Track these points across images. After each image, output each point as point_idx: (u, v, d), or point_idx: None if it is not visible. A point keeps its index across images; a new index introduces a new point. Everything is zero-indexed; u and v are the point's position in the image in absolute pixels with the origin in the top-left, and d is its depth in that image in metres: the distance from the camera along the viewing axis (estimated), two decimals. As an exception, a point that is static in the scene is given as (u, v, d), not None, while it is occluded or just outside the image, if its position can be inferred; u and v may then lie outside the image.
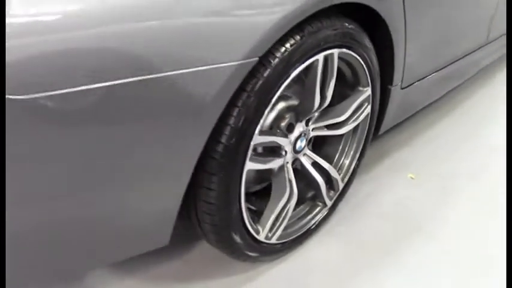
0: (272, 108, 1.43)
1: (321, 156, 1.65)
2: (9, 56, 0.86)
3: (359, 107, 1.68)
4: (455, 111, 2.65)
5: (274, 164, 1.47)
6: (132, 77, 0.98)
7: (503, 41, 2.83)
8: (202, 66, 1.07)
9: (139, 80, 0.99)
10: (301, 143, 1.54)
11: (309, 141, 1.60)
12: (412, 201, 1.93)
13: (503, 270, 1.60)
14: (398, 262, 1.64)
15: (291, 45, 1.26)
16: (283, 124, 1.46)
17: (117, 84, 0.97)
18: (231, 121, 1.20)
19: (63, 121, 0.95)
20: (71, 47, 0.91)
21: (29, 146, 0.94)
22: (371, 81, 1.65)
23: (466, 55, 2.36)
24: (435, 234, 1.77)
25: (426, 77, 2.06)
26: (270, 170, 1.52)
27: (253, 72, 1.20)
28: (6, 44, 0.86)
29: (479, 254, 1.68)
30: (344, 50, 1.47)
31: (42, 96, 0.90)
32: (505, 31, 2.75)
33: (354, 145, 1.76)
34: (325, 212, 1.73)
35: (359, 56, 1.54)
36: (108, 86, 0.96)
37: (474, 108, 2.69)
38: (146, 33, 0.98)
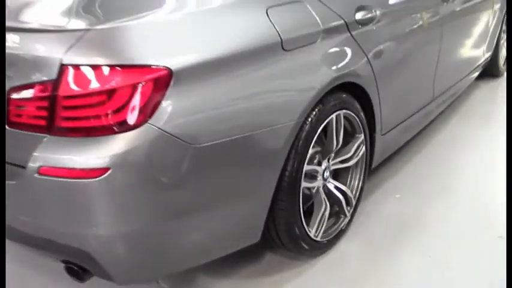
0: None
1: (339, 182, 2.49)
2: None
3: (358, 147, 2.53)
4: (428, 145, 3.50)
5: (314, 184, 2.29)
6: (248, 132, 1.84)
7: (451, 92, 3.74)
8: (275, 125, 1.94)
9: (247, 136, 1.85)
10: (327, 174, 2.38)
11: (330, 173, 2.44)
12: (399, 215, 2.74)
13: (494, 279, 2.19)
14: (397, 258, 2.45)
15: (318, 110, 2.13)
16: (315, 161, 2.31)
17: (241, 137, 1.83)
18: (291, 160, 2.05)
19: (213, 160, 1.79)
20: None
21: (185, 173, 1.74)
22: (363, 130, 2.52)
23: (421, 108, 3.26)
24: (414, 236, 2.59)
25: (397, 126, 2.94)
26: (311, 194, 2.34)
27: (301, 128, 2.06)
28: None
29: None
30: (345, 111, 2.34)
31: (209, 144, 1.74)
32: (449, 86, 3.66)
33: (358, 173, 2.59)
34: (346, 221, 2.54)
35: (354, 114, 2.41)
36: (240, 137, 1.82)
37: (441, 143, 3.54)
38: (253, 107, 1.86)
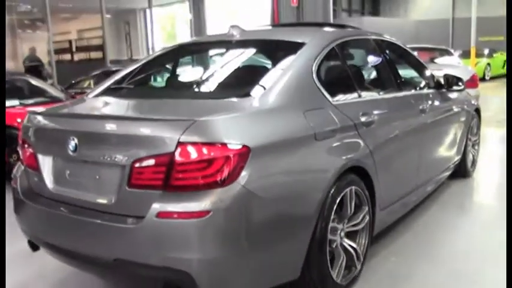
0: None
1: (351, 241, 3.22)
2: None
3: (364, 216, 3.30)
4: (418, 219, 4.26)
5: (335, 237, 3.03)
6: (294, 196, 2.65)
7: (431, 183, 4.59)
8: (311, 194, 2.75)
9: (294, 197, 2.65)
10: (342, 234, 3.13)
11: (345, 234, 3.18)
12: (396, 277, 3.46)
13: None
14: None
15: (336, 186, 2.92)
16: (335, 222, 3.06)
17: (290, 197, 2.62)
18: (321, 219, 2.82)
19: (273, 209, 2.58)
20: None
21: None
22: (367, 204, 3.30)
23: (408, 193, 4.08)
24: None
25: (391, 205, 3.74)
26: (332, 249, 3.05)
27: (326, 197, 2.84)
28: None
29: None
30: (355, 187, 3.14)
31: (271, 198, 2.53)
32: (429, 178, 4.52)
33: (364, 235, 3.33)
34: (357, 271, 3.24)
35: (361, 190, 3.21)
36: (289, 197, 2.63)
37: (431, 215, 4.32)
38: (298, 178, 2.67)
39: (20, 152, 3.17)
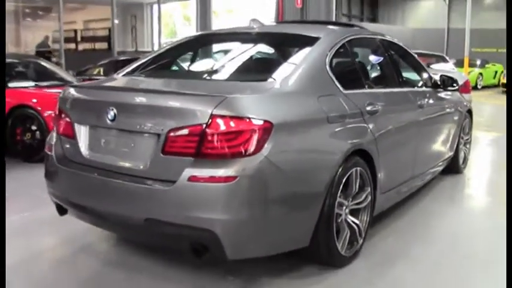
0: None
1: (354, 218, 3.47)
2: None
3: (366, 196, 3.54)
4: (413, 207, 4.52)
5: (341, 211, 3.27)
6: (308, 171, 2.90)
7: (425, 174, 4.86)
8: (321, 172, 3.01)
9: (308, 171, 2.90)
10: (347, 210, 3.37)
11: (349, 211, 3.42)
12: (392, 254, 3.71)
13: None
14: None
15: (343, 167, 3.16)
16: (342, 198, 3.30)
17: (305, 171, 2.88)
18: (329, 194, 3.06)
19: (291, 179, 2.84)
20: None
21: None
22: (370, 185, 3.55)
23: (406, 181, 4.34)
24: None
25: (391, 189, 3.99)
26: (337, 224, 3.29)
27: (334, 177, 3.09)
28: None
29: None
30: (359, 168, 3.39)
31: (288, 169, 2.79)
32: (424, 169, 4.79)
33: (366, 213, 3.57)
34: (358, 246, 3.48)
35: (364, 171, 3.46)
36: (304, 171, 2.90)
37: (424, 204, 4.58)
38: (311, 155, 2.93)
39: (55, 122, 3.39)
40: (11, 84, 6.99)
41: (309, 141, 2.99)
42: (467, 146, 6.16)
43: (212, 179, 2.61)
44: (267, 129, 2.70)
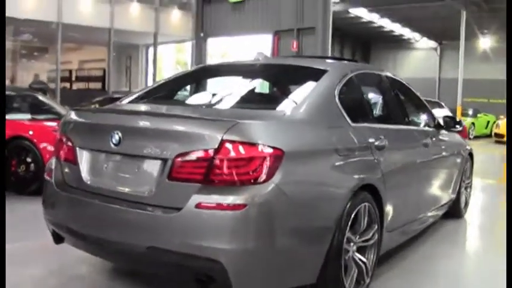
0: None
1: (361, 255, 3.35)
2: None
3: (373, 234, 3.43)
4: (417, 249, 4.40)
5: (349, 248, 3.16)
6: (316, 203, 2.81)
7: (433, 214, 4.77)
8: (331, 206, 2.92)
9: (317, 202, 2.81)
10: (354, 248, 3.26)
11: (356, 248, 3.30)
12: None
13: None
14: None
15: (351, 202, 3.07)
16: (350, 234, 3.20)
17: (315, 201, 2.79)
18: (338, 229, 2.96)
19: (300, 209, 2.74)
20: None
21: None
22: (377, 223, 3.45)
23: (411, 221, 4.24)
24: None
25: (397, 228, 3.89)
26: (345, 261, 3.18)
27: (343, 211, 3.00)
28: None
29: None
30: (367, 204, 3.29)
31: (298, 199, 2.70)
32: (432, 208, 4.71)
33: (373, 251, 3.46)
34: (364, 287, 3.36)
35: (373, 208, 3.37)
36: (313, 200, 2.80)
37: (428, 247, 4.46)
38: (321, 187, 2.84)
39: (56, 147, 3.30)
40: (7, 116, 6.92)
41: (319, 172, 2.91)
42: (468, 190, 6.09)
43: (220, 207, 2.51)
44: (278, 156, 2.62)
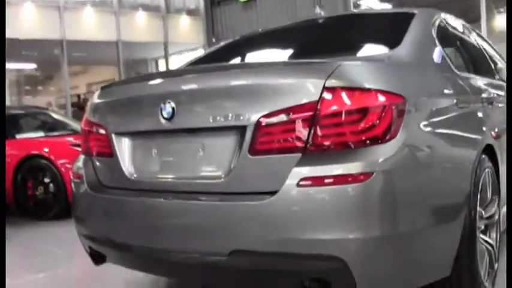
0: None
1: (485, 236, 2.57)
2: None
3: (496, 208, 2.65)
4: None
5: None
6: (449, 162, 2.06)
7: None
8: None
9: (450, 159, 2.06)
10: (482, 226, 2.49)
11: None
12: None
13: None
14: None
15: (479, 166, 2.32)
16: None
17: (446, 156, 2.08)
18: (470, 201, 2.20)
19: (433, 167, 1.98)
20: None
21: None
22: (498, 193, 2.67)
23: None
24: None
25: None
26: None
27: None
28: None
29: None
30: (489, 169, 2.51)
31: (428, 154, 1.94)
32: None
33: (495, 229, 2.66)
34: (494, 273, 2.57)
35: (494, 175, 2.59)
36: (445, 156, 2.12)
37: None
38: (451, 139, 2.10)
39: (84, 140, 2.57)
40: (18, 136, 6.38)
41: (444, 127, 2.19)
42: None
43: (336, 180, 1.76)
44: (401, 105, 1.89)
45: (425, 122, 2.03)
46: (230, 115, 1.94)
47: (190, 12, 16.83)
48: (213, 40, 16.74)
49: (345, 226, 1.76)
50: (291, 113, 1.85)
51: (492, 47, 4.23)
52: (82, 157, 2.62)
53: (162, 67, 17.51)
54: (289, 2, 14.62)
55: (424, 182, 1.95)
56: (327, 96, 1.81)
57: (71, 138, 6.33)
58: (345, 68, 1.87)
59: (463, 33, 3.67)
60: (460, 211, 2.16)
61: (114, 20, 13.90)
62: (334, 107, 1.81)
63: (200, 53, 16.95)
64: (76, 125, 7.55)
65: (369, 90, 1.84)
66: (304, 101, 1.83)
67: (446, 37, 3.03)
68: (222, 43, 3.42)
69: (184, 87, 2.13)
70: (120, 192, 2.30)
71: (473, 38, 3.64)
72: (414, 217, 1.90)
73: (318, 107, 1.81)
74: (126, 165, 2.30)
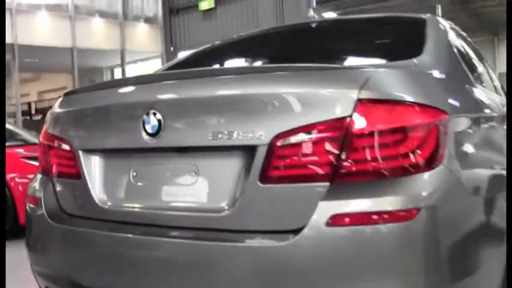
0: None
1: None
2: None
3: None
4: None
5: None
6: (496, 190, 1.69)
7: None
8: None
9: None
10: None
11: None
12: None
13: None
14: None
15: None
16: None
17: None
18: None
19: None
20: None
21: None
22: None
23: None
24: None
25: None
26: None
27: None
28: None
29: None
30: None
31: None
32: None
33: None
34: None
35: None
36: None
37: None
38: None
39: (42, 157, 2.11)
40: None
41: (483, 147, 1.88)
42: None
43: (375, 218, 1.37)
44: (445, 123, 1.52)
45: (468, 143, 1.68)
46: (235, 132, 1.52)
47: (149, 20, 16.39)
48: (172, 49, 16.32)
49: (389, 276, 1.38)
50: (315, 131, 1.45)
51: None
52: (39, 177, 2.15)
53: (117, 76, 16.93)
54: (250, 10, 14.41)
55: (476, 217, 1.60)
56: (362, 110, 1.43)
57: (21, 150, 5.80)
58: (380, 76, 1.50)
59: (465, 40, 3.41)
60: (502, 239, 1.81)
61: (69, 26, 13.28)
62: (370, 125, 1.43)
63: (157, 62, 16.56)
64: (27, 135, 7.01)
65: (411, 104, 1.47)
66: (332, 116, 1.44)
67: (457, 46, 2.75)
68: (212, 44, 2.99)
69: (175, 95, 1.69)
70: (88, 224, 1.85)
71: (475, 50, 3.37)
72: (468, 251, 1.55)
73: (351, 124, 1.43)
74: (97, 190, 1.85)
